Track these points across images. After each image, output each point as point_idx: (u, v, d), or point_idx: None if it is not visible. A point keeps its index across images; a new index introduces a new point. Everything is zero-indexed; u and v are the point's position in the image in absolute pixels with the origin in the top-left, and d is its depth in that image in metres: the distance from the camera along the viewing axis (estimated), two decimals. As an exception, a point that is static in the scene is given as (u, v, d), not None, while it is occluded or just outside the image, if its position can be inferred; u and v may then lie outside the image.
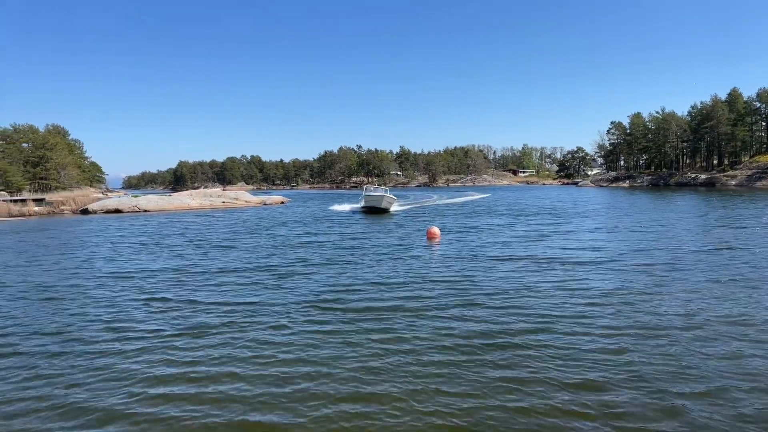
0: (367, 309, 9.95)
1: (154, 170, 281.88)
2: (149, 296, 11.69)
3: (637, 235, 20.74)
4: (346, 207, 47.06)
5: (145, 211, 48.95)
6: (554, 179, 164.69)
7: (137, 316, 9.99)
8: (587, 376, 6.48)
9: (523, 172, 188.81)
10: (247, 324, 9.17)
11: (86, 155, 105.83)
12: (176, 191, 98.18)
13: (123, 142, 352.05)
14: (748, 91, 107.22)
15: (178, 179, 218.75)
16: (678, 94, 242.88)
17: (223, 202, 57.78)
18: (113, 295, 11.97)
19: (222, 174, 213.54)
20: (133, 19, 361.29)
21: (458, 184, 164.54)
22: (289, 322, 9.22)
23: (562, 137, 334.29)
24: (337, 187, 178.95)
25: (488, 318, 9.10)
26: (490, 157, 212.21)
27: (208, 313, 10.04)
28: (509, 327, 8.56)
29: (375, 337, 8.22)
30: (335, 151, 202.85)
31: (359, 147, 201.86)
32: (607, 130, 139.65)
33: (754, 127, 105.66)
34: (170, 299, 11.29)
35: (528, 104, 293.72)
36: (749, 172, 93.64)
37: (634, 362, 6.88)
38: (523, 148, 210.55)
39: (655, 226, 24.48)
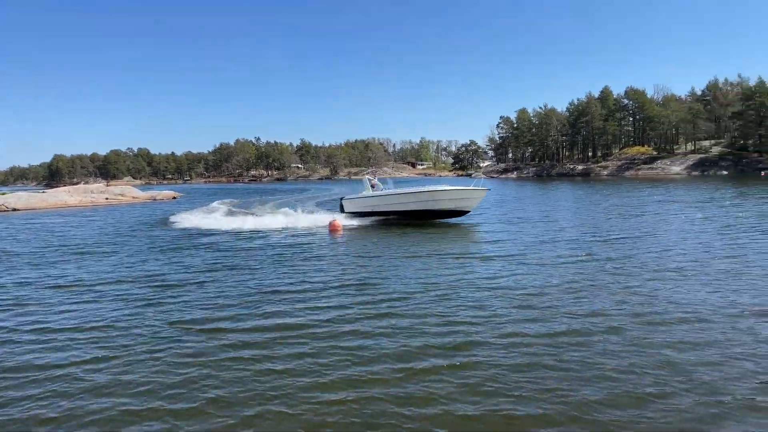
0: (249, 326, 8.79)
1: (24, 165, 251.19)
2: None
3: (544, 226, 21.48)
4: (299, 217, 25.26)
5: (15, 209, 43.00)
6: (450, 171, 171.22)
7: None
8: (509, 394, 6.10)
9: (421, 165, 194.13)
10: (90, 351, 7.67)
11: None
12: (52, 188, 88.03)
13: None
14: (618, 89, 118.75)
15: (54, 174, 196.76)
16: (559, 91, 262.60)
17: (107, 199, 52.58)
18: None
19: (105, 168, 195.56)
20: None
21: (360, 177, 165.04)
22: (150, 346, 7.84)
23: (457, 131, 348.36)
24: (235, 181, 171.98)
25: (398, 328, 8.40)
26: (390, 150, 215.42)
27: (44, 338, 8.34)
28: (423, 339, 8.00)
29: (251, 353, 7.28)
30: (232, 143, 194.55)
31: (258, 139, 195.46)
32: (497, 125, 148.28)
33: (623, 122, 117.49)
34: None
35: (425, 99, 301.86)
36: (619, 163, 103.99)
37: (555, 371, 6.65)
38: (420, 142, 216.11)
39: (554, 215, 25.71)
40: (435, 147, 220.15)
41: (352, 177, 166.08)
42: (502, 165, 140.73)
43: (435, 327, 8.28)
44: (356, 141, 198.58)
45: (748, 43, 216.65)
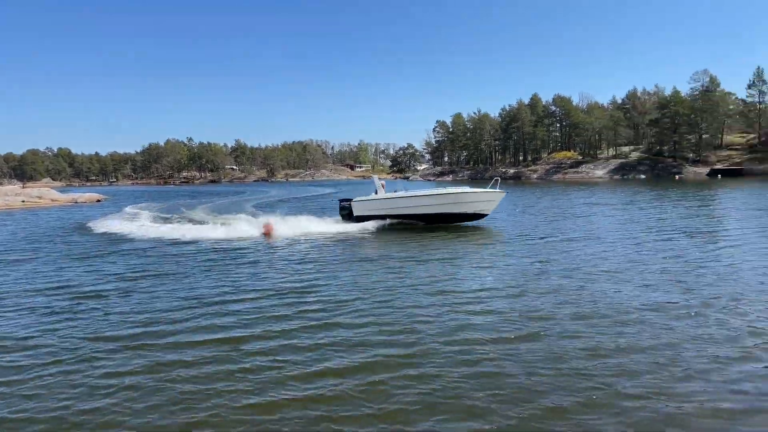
0: (176, 341, 8.23)
1: None
2: None
3: (480, 229, 21.79)
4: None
5: None
6: (388, 174, 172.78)
7: None
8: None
9: (360, 167, 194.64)
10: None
11: None
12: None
13: None
14: (546, 96, 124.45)
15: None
16: (491, 97, 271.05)
17: (23, 202, 48.75)
18: None
19: (21, 169, 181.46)
20: None
21: (297, 179, 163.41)
22: (66, 366, 7.17)
23: (395, 134, 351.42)
24: (165, 183, 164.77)
25: (336, 338, 8.16)
26: (328, 152, 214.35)
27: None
28: (362, 349, 7.79)
29: (178, 372, 6.82)
30: (162, 143, 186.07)
31: (190, 140, 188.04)
32: (433, 128, 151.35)
33: (551, 128, 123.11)
34: None
35: (363, 101, 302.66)
36: (547, 167, 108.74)
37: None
38: (359, 144, 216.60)
39: (488, 218, 26.24)
40: (373, 150, 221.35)
41: (290, 179, 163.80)
42: (439, 168, 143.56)
43: (374, 336, 8.11)
44: (294, 143, 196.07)
45: (665, 55, 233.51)
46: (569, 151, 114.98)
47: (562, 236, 18.67)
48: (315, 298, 10.48)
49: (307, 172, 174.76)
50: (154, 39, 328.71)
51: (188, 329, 8.66)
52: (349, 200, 23.49)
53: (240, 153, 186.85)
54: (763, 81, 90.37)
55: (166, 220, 27.59)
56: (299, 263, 14.63)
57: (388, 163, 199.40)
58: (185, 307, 10.03)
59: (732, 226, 20.29)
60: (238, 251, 17.05)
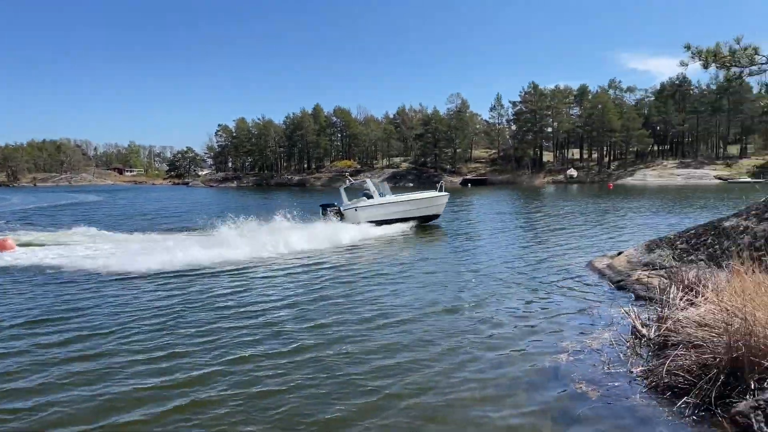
0: None
1: None
2: None
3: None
4: None
5: None
6: (164, 179, 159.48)
7: None
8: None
9: (131, 172, 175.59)
10: None
11: None
12: None
13: None
14: (328, 108, 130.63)
15: None
16: (276, 104, 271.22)
17: None
18: None
19: None
20: None
21: (50, 184, 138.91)
22: None
23: (173, 137, 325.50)
24: None
25: (85, 375, 7.41)
26: (91, 153, 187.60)
27: None
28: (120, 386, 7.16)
29: None
30: None
31: None
32: (216, 132, 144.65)
33: (333, 138, 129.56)
34: None
35: (130, 99, 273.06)
36: (330, 175, 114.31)
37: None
38: (129, 146, 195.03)
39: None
40: (147, 152, 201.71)
41: (39, 184, 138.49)
42: (222, 174, 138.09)
43: (142, 366, 7.58)
44: (44, 141, 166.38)
45: (428, 76, 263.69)
46: (350, 160, 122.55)
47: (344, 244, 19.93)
48: (64, 327, 9.21)
49: (63, 176, 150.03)
50: None
51: None
52: (332, 205, 25.01)
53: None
54: (501, 105, 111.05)
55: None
56: (49, 284, 12.61)
57: (165, 167, 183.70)
58: None
59: (487, 227, 24.42)
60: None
